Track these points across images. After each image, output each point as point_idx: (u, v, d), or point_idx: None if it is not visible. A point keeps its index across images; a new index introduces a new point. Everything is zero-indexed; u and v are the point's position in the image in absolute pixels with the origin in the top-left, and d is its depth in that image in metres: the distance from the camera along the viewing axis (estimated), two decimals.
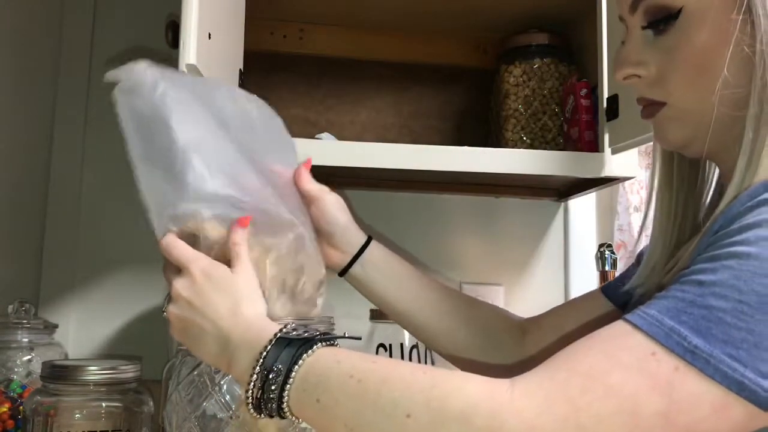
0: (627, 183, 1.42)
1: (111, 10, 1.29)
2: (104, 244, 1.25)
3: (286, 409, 0.55)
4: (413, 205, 1.34)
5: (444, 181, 1.25)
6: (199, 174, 0.63)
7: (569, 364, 0.49)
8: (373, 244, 0.82)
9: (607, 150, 1.02)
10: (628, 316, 0.50)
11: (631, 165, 1.04)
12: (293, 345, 0.56)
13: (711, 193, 0.67)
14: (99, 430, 0.83)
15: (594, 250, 1.28)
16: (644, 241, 0.73)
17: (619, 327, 0.50)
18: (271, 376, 0.55)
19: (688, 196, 0.67)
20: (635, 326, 0.48)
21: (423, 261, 1.32)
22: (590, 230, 1.39)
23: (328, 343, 0.57)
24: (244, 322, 0.60)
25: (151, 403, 0.90)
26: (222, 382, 0.76)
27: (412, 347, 1.04)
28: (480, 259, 1.35)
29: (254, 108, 0.74)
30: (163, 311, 0.66)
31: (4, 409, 0.95)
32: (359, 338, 0.68)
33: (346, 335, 0.63)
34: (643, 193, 1.45)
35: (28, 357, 1.02)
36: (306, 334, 0.58)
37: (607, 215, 1.46)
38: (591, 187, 1.18)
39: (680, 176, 0.67)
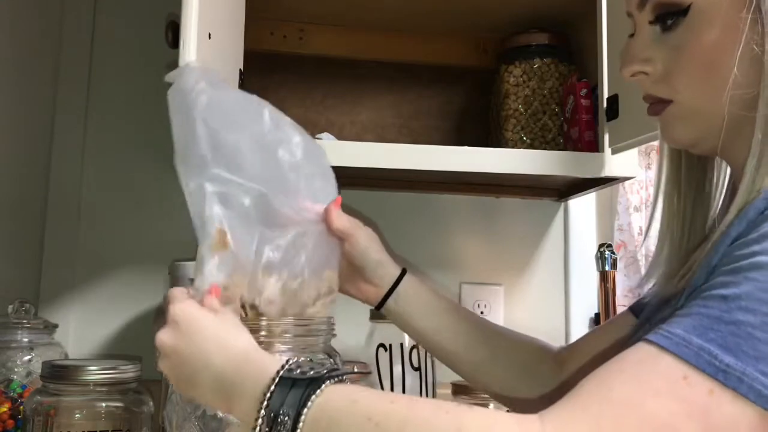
0: (627, 183, 1.42)
1: (111, 9, 1.29)
2: (104, 244, 1.25)
3: None
4: (413, 205, 1.34)
5: (444, 181, 1.25)
6: (208, 151, 0.65)
7: (600, 395, 0.47)
8: (407, 277, 0.81)
9: (607, 150, 1.02)
10: (651, 336, 0.48)
11: (631, 165, 1.04)
12: (299, 385, 0.52)
13: (723, 192, 0.66)
14: (99, 430, 0.83)
15: (594, 250, 1.28)
16: (650, 242, 0.72)
17: (645, 350, 0.48)
18: (279, 421, 0.51)
19: (697, 195, 0.66)
20: (662, 348, 0.46)
21: (423, 261, 1.32)
22: (590, 230, 1.39)
23: (336, 380, 0.54)
24: (237, 354, 0.57)
25: (151, 403, 0.90)
26: None
27: (412, 347, 1.03)
28: (480, 259, 1.35)
29: (297, 135, 0.74)
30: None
31: (4, 409, 0.95)
32: (369, 372, 0.65)
33: (355, 369, 0.61)
34: (644, 193, 1.45)
35: (28, 357, 1.01)
36: (312, 372, 0.54)
37: (607, 215, 1.46)
38: (591, 187, 1.18)
39: (688, 175, 0.66)
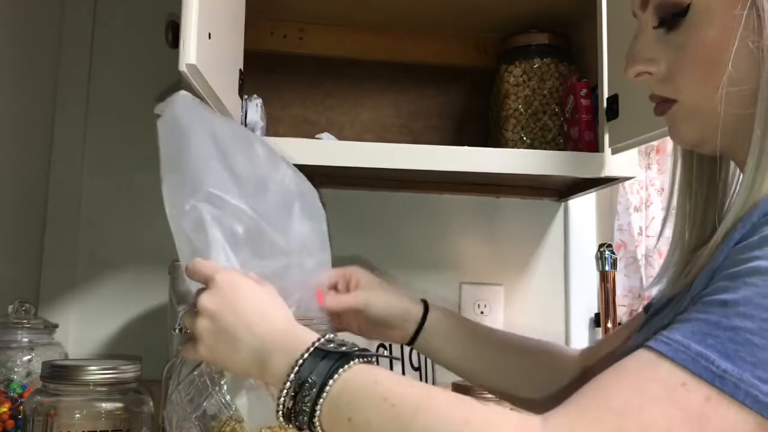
0: (627, 183, 1.42)
1: (111, 10, 1.29)
2: (104, 245, 1.25)
3: (317, 423, 0.54)
4: (413, 205, 1.34)
5: (444, 181, 1.25)
6: (204, 174, 0.66)
7: (599, 401, 0.47)
8: (431, 314, 0.85)
9: (607, 150, 1.02)
10: (651, 343, 0.48)
11: (631, 165, 1.04)
12: (330, 358, 0.55)
13: (734, 193, 0.65)
14: (99, 430, 0.83)
15: (594, 250, 1.28)
16: (654, 242, 0.72)
17: (645, 356, 0.48)
18: (305, 388, 0.55)
19: (708, 196, 0.65)
20: (661, 354, 0.47)
21: (423, 261, 1.32)
22: (590, 230, 1.39)
23: (365, 359, 0.56)
24: (278, 326, 0.60)
25: (151, 403, 0.90)
26: (222, 382, 0.76)
27: (412, 348, 1.04)
28: (480, 259, 1.35)
29: (287, 169, 0.74)
30: (174, 330, 0.66)
31: (4, 409, 0.95)
32: (398, 358, 0.67)
33: (386, 353, 0.63)
34: (644, 193, 1.45)
35: (28, 357, 1.01)
36: (344, 348, 0.57)
37: (607, 215, 1.46)
38: (591, 187, 1.18)
39: (700, 175, 0.66)
